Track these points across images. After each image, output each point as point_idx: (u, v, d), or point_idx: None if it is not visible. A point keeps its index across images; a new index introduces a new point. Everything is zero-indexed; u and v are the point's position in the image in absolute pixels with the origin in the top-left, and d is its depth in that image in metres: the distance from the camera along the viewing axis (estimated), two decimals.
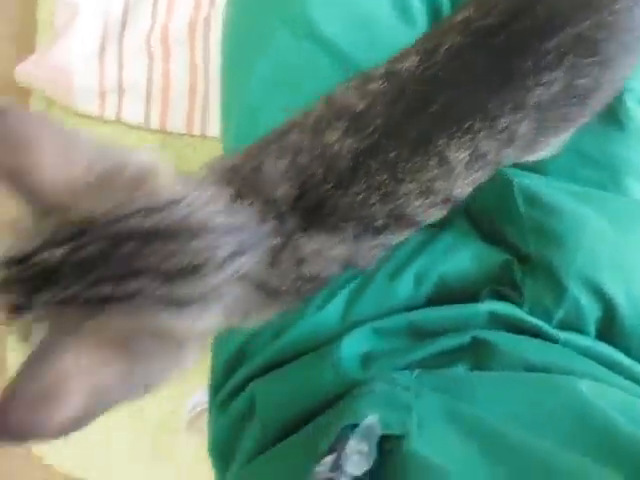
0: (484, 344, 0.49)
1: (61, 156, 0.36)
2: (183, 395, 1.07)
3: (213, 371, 0.63)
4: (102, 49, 1.08)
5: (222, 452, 0.59)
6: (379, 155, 0.42)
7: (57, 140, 0.37)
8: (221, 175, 0.42)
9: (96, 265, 0.34)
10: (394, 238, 0.46)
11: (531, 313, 0.52)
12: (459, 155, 0.43)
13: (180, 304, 0.36)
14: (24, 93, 1.17)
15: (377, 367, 0.50)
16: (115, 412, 1.15)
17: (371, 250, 0.46)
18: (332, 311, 0.55)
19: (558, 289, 0.51)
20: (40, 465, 1.21)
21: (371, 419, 0.38)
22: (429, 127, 0.42)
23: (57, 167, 0.35)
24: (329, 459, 0.36)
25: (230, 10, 0.69)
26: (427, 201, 0.44)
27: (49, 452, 1.18)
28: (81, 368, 0.33)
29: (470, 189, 0.46)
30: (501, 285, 0.54)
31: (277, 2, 0.60)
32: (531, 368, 0.48)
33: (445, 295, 0.55)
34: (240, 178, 0.42)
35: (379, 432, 0.38)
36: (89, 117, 1.11)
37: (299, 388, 0.52)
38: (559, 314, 0.52)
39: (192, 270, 0.36)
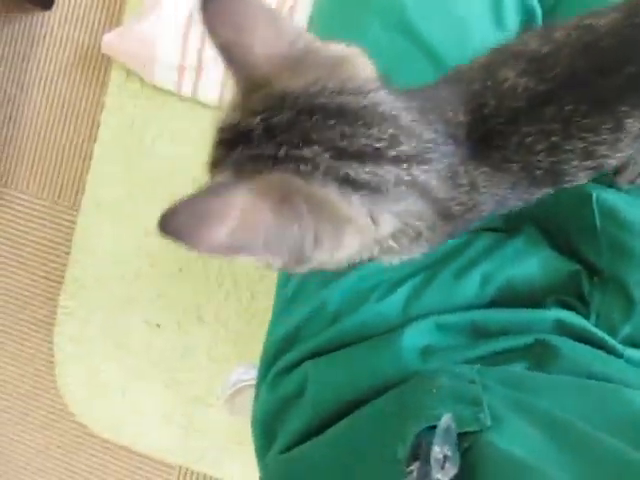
0: (547, 347, 0.49)
1: (271, 33, 0.40)
2: (221, 372, 1.09)
3: (266, 347, 0.64)
4: (186, 28, 1.11)
5: (266, 429, 0.59)
6: (554, 103, 0.41)
7: (268, 18, 0.40)
8: (407, 92, 0.43)
9: (282, 131, 0.37)
10: (536, 193, 0.46)
11: (597, 326, 0.52)
12: (634, 126, 0.41)
13: (351, 184, 0.37)
14: (107, 62, 1.21)
15: (436, 360, 0.51)
16: (151, 380, 1.19)
17: (517, 200, 0.46)
18: (394, 302, 0.55)
19: (628, 305, 0.51)
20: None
21: (447, 419, 0.38)
22: (618, 88, 0.40)
23: (267, 43, 0.39)
24: (414, 468, 0.36)
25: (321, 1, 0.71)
26: (584, 163, 0.43)
27: (85, 411, 1.21)
28: (244, 205, 0.36)
29: (616, 163, 0.45)
30: (568, 295, 0.54)
31: None
32: (592, 377, 0.47)
33: (510, 299, 0.55)
34: (423, 98, 0.43)
35: (456, 431, 0.37)
36: (166, 92, 1.14)
37: (355, 373, 0.52)
38: (626, 329, 0.51)
39: (371, 155, 0.38)
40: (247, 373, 0.95)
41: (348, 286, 0.57)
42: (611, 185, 0.56)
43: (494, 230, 0.61)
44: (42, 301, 1.27)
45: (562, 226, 0.58)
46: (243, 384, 0.94)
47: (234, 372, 0.98)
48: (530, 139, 0.41)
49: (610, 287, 0.52)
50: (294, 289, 0.61)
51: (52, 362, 1.24)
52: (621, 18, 0.41)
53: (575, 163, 0.42)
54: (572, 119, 0.41)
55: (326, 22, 0.69)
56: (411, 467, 0.36)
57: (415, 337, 0.52)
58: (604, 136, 0.41)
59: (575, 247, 0.56)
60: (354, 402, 0.50)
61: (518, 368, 0.49)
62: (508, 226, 0.61)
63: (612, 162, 0.43)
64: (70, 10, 1.26)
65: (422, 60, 0.58)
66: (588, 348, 0.50)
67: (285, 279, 0.63)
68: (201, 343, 1.14)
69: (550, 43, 0.42)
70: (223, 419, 1.11)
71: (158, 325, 1.16)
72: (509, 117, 0.41)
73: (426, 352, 0.52)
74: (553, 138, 0.41)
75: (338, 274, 0.58)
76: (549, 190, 0.46)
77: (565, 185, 0.45)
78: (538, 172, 0.43)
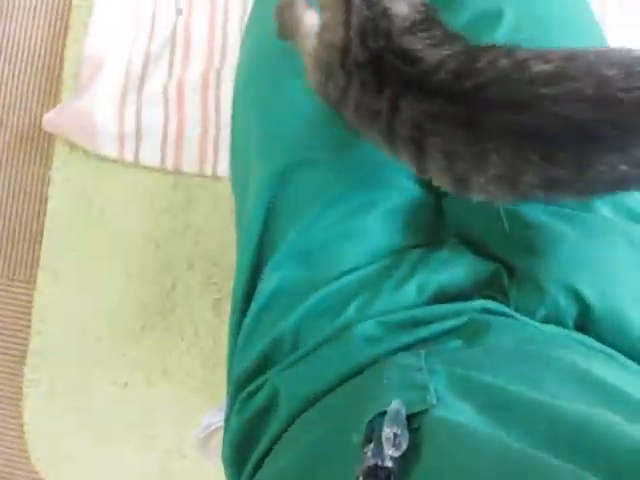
0: (479, 323, 0.55)
1: None
2: (192, 422, 1.11)
3: (229, 385, 0.67)
4: (123, 98, 1.18)
5: (236, 455, 0.61)
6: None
7: None
8: None
9: None
10: None
11: (516, 312, 0.59)
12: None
13: None
14: (50, 138, 1.27)
15: (384, 345, 0.55)
16: (124, 441, 1.21)
17: None
18: (346, 319, 0.60)
19: (540, 293, 0.58)
20: None
21: (395, 404, 0.41)
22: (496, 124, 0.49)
23: None
24: (369, 449, 0.38)
25: (243, 62, 0.79)
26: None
27: (57, 476, 1.21)
28: None
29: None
30: (492, 291, 0.61)
31: (286, 57, 0.69)
32: (523, 342, 0.53)
33: (444, 301, 0.61)
34: None
35: (405, 412, 0.40)
36: (109, 160, 1.20)
37: (320, 368, 0.56)
38: (541, 312, 0.58)
39: None
40: (216, 415, 0.97)
41: (302, 314, 0.62)
42: None
43: (420, 247, 0.68)
44: (6, 377, 1.28)
45: (479, 234, 0.65)
46: (214, 426, 0.97)
47: (204, 417, 1.01)
48: None
49: (523, 280, 0.59)
50: (248, 328, 0.66)
51: (22, 438, 1.24)
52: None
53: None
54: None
55: (247, 84, 0.77)
56: (365, 449, 0.38)
57: (364, 329, 0.57)
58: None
59: (492, 251, 0.64)
60: (324, 394, 0.54)
61: (456, 344, 0.54)
62: (432, 241, 0.69)
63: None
64: (7, 96, 1.31)
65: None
66: (514, 320, 0.57)
67: (236, 325, 0.68)
68: (169, 396, 1.17)
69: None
70: (200, 467, 1.13)
71: (125, 384, 1.18)
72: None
73: (374, 339, 0.57)
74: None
75: (291, 306, 0.64)
76: None
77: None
78: None
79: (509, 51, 0.49)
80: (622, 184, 0.50)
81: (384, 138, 0.55)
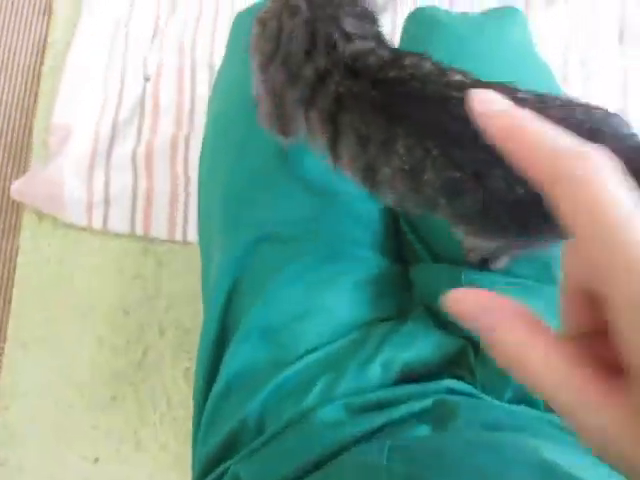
0: (446, 405, 0.54)
1: None
2: None
3: (193, 471, 0.65)
4: (91, 165, 1.17)
5: None
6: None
7: None
8: None
9: None
10: None
11: (483, 392, 0.57)
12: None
13: None
14: (18, 207, 1.25)
15: (347, 430, 0.53)
16: None
17: None
18: (310, 401, 0.58)
19: (505, 374, 0.57)
20: None
21: None
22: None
23: None
24: None
25: (208, 130, 0.79)
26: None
27: None
28: None
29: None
30: (459, 369, 0.60)
31: (250, 127, 0.70)
32: (489, 425, 0.52)
33: (410, 379, 0.60)
34: None
35: None
36: (78, 227, 1.18)
37: (281, 458, 0.54)
38: (508, 394, 0.57)
39: None
40: None
41: (266, 396, 0.61)
42: (482, 268, 0.64)
43: (387, 319, 0.67)
44: None
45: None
46: None
47: None
48: None
49: (488, 360, 0.58)
50: (211, 411, 0.64)
51: None
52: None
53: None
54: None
55: (212, 150, 0.77)
56: None
57: (325, 414, 0.56)
58: None
59: (456, 324, 0.62)
60: None
61: (423, 431, 0.53)
62: (401, 311, 0.67)
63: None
64: None
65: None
66: (480, 401, 0.56)
67: (199, 405, 0.66)
68: (142, 471, 1.12)
69: None
70: None
71: (96, 459, 1.14)
72: None
73: (337, 425, 0.55)
74: None
75: (255, 388, 0.62)
76: None
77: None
78: None
79: (436, 62, 0.53)
80: (523, 215, 0.50)
81: (304, 107, 0.56)
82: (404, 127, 0.51)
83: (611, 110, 0.51)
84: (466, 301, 0.25)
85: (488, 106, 0.24)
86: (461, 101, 0.47)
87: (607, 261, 0.20)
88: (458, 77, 0.51)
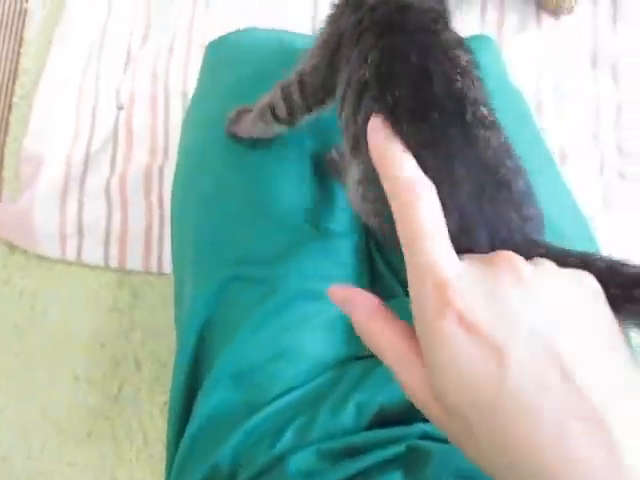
0: (418, 451, 0.53)
1: None
2: None
3: None
4: (64, 195, 1.16)
5: None
6: None
7: None
8: None
9: None
10: None
11: None
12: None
13: None
14: None
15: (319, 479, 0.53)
16: None
17: None
18: (284, 446, 0.57)
19: None
20: None
21: None
22: None
23: None
24: None
25: (180, 162, 0.78)
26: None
27: None
28: None
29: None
30: None
31: (224, 159, 0.69)
32: (462, 475, 0.50)
33: (384, 423, 0.59)
34: None
35: None
36: (51, 259, 1.16)
37: None
38: None
39: None
40: None
41: (239, 441, 0.59)
42: None
43: (363, 357, 0.65)
44: None
45: None
46: None
47: None
48: None
49: None
50: (183, 455, 0.62)
51: None
52: None
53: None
54: None
55: (184, 180, 0.76)
56: None
57: (298, 463, 0.54)
58: None
59: None
60: None
61: (396, 478, 0.52)
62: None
63: None
64: None
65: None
66: (454, 447, 0.54)
67: (171, 448, 0.64)
68: None
69: None
70: None
71: None
72: None
73: (309, 474, 0.54)
74: None
75: (227, 432, 0.60)
76: None
77: None
78: None
79: None
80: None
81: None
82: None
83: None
84: (337, 294, 0.35)
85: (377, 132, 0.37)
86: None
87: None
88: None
